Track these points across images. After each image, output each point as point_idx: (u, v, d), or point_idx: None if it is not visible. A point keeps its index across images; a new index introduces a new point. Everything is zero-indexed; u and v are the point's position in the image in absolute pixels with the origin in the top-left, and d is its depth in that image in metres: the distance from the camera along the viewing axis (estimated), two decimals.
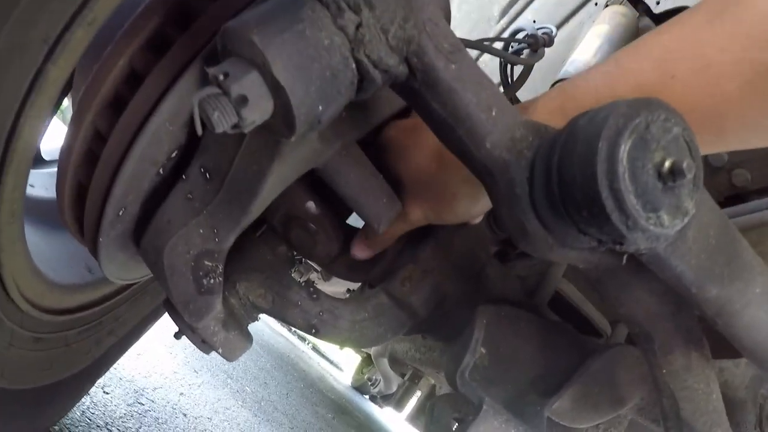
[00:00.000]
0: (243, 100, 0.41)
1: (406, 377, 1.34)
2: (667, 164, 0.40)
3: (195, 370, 2.88)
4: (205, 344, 0.79)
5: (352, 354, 6.75)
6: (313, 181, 0.85)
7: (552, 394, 0.72)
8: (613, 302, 0.55)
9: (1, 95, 0.51)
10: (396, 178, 0.75)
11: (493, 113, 0.49)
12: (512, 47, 1.56)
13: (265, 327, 6.32)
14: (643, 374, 0.75)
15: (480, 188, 0.67)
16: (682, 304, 0.56)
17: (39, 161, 1.39)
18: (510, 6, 2.37)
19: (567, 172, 0.42)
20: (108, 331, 1.27)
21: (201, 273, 0.70)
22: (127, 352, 1.55)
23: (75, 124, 0.67)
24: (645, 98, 0.43)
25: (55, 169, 1.31)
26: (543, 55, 1.55)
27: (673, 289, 0.49)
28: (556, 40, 1.64)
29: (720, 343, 0.62)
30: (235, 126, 0.42)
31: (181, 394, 2.43)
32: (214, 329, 0.78)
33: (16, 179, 0.63)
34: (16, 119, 0.54)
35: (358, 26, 0.45)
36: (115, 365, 2.03)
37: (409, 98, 0.53)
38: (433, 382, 1.26)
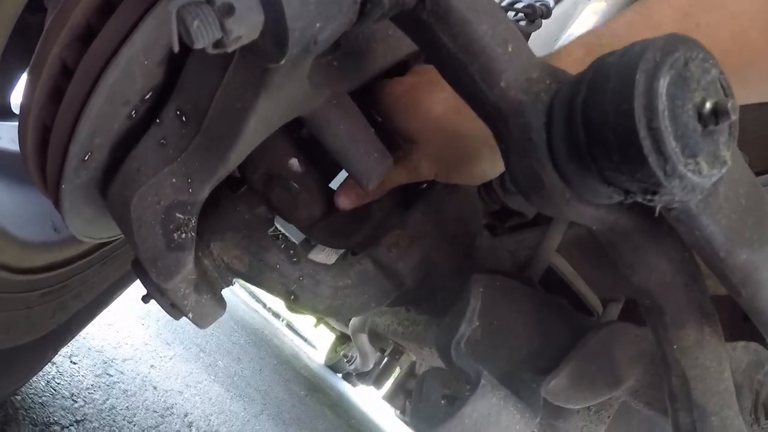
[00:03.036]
0: (229, 9, 0.35)
1: (386, 353, 1.30)
2: (708, 105, 0.36)
3: (167, 343, 2.82)
4: (174, 308, 0.74)
5: (326, 332, 6.72)
6: (298, 139, 0.79)
7: (546, 371, 0.67)
8: (625, 270, 0.50)
9: None
10: (407, 133, 0.71)
11: (510, 48, 0.43)
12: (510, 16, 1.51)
13: (239, 302, 6.26)
14: (639, 354, 0.71)
15: None
16: (697, 275, 0.51)
17: (7, 113, 1.32)
18: None
19: (596, 111, 0.37)
20: (74, 295, 1.21)
21: (171, 226, 0.64)
22: (96, 321, 1.49)
23: (39, 58, 0.61)
24: (682, 35, 0.38)
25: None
26: (540, 26, 1.51)
27: (700, 254, 0.44)
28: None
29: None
30: (218, 43, 0.36)
31: (152, 366, 2.37)
32: (184, 292, 0.72)
33: None
34: None
35: None
36: (83, 334, 1.97)
37: (416, 32, 0.47)
38: (413, 358, 1.22)
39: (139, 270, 0.73)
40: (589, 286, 0.97)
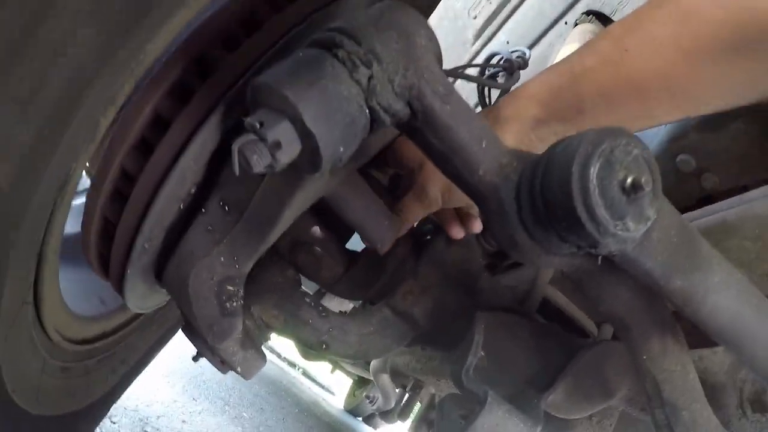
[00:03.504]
0: (277, 145, 0.49)
1: (407, 388, 1.40)
2: (629, 180, 0.49)
3: (193, 398, 2.92)
4: (224, 364, 0.85)
5: (342, 378, 6.76)
6: (315, 209, 0.93)
7: (546, 389, 0.79)
8: (594, 300, 0.63)
9: (69, 150, 0.57)
10: (414, 159, 0.82)
11: (483, 144, 0.57)
12: (488, 71, 1.64)
13: None
14: (628, 366, 0.82)
15: None
16: (654, 297, 0.64)
17: None
18: (483, 29, 2.47)
19: (548, 192, 0.50)
20: (121, 359, 1.33)
21: (224, 297, 0.76)
22: (131, 384, 1.60)
23: (104, 165, 0.74)
24: (609, 128, 0.52)
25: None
26: (519, 78, 1.64)
27: (645, 284, 0.57)
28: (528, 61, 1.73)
29: (697, 334, 0.70)
30: (269, 166, 0.50)
31: (183, 421, 2.47)
32: (233, 350, 0.84)
33: (63, 214, 0.69)
34: (72, 167, 0.60)
35: (370, 78, 0.54)
36: None
37: (411, 134, 0.61)
38: (432, 391, 1.33)
39: (191, 334, 0.85)
40: (582, 311, 1.09)
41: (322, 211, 0.92)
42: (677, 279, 0.56)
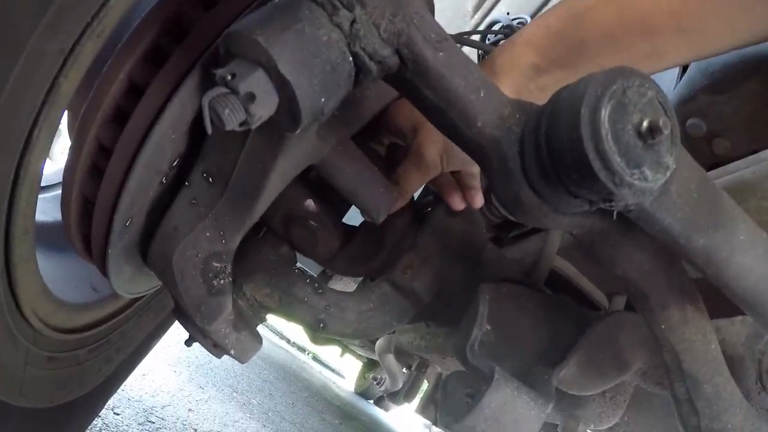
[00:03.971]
0: (251, 97, 0.44)
1: (413, 368, 1.36)
2: (645, 124, 0.44)
3: (200, 386, 2.89)
4: (217, 348, 0.81)
5: (352, 361, 6.76)
6: (309, 182, 0.88)
7: (557, 364, 0.74)
8: (608, 265, 0.58)
9: (20, 106, 0.52)
10: (411, 123, 0.77)
11: (482, 94, 0.52)
12: (489, 39, 1.59)
13: (265, 341, 6.30)
14: (643, 338, 0.78)
15: None
16: (673, 260, 0.59)
17: None
18: (483, 1, 2.40)
19: (555, 141, 0.45)
20: (116, 348, 1.29)
21: (210, 275, 0.72)
22: (132, 373, 1.56)
23: (78, 140, 0.69)
24: (620, 67, 0.47)
25: (51, 194, 1.33)
26: None
27: (664, 243, 0.52)
28: None
29: (714, 303, 0.65)
30: (243, 123, 0.45)
31: (190, 410, 2.44)
32: (225, 331, 0.79)
33: (30, 194, 0.65)
34: (31, 132, 0.55)
35: (353, 22, 0.49)
36: (122, 386, 2.04)
37: (402, 88, 0.56)
38: (439, 370, 1.29)
39: (182, 317, 0.80)
40: (593, 283, 1.04)
41: (316, 184, 0.88)
42: (699, 237, 0.51)
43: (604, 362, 0.75)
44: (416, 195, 0.97)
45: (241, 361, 0.86)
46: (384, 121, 0.81)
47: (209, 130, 0.45)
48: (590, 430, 0.95)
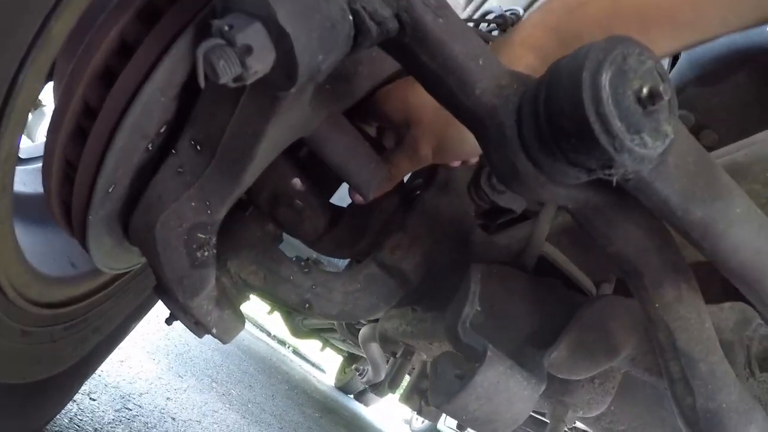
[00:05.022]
0: (248, 50, 0.43)
1: (397, 355, 1.35)
2: (645, 90, 0.44)
3: (179, 375, 2.86)
4: (198, 326, 0.79)
5: (332, 355, 6.75)
6: (298, 161, 0.86)
7: (547, 346, 0.74)
8: (602, 241, 0.57)
9: (7, 44, 0.50)
10: (404, 115, 0.76)
11: (480, 62, 0.51)
12: (482, 28, 1.59)
13: (245, 333, 6.28)
14: (633, 322, 0.77)
15: None
16: (667, 238, 0.58)
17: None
18: None
19: (554, 105, 0.44)
20: (93, 328, 1.26)
21: (194, 246, 0.70)
22: (109, 359, 1.54)
23: (63, 98, 0.66)
24: (620, 35, 0.46)
25: (32, 167, 1.30)
26: None
27: (661, 215, 0.51)
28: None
29: (704, 289, 0.64)
30: (238, 78, 0.44)
31: (168, 398, 2.41)
32: (207, 308, 0.77)
33: (11, 145, 0.62)
34: (17, 74, 0.53)
35: None
36: (99, 372, 2.02)
37: (400, 54, 0.55)
38: (424, 357, 1.28)
39: (162, 293, 0.78)
40: (580, 269, 1.03)
41: (304, 163, 0.86)
42: (696, 209, 0.50)
43: (594, 346, 0.75)
44: (405, 178, 0.96)
45: (223, 341, 0.84)
46: (372, 106, 0.80)
47: (202, 83, 0.43)
48: (578, 418, 0.94)
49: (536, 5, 2.16)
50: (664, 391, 1.12)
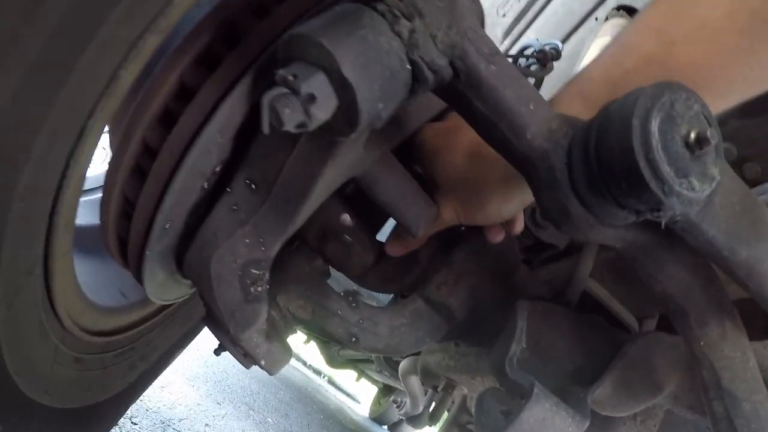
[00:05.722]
0: (311, 99, 0.46)
1: (439, 389, 1.35)
2: (692, 135, 0.46)
3: (218, 402, 2.89)
4: (247, 357, 0.81)
5: (368, 386, 6.72)
6: (346, 196, 0.88)
7: (591, 383, 0.74)
8: (648, 279, 0.58)
9: (83, 90, 0.53)
10: (429, 178, 0.78)
11: (531, 107, 0.53)
12: (520, 64, 1.60)
13: None
14: (676, 360, 0.77)
15: (511, 188, 0.71)
16: (712, 277, 0.59)
17: None
18: (512, 27, 2.42)
19: (605, 150, 0.46)
20: (140, 356, 1.29)
21: (248, 281, 0.72)
22: (152, 384, 1.57)
23: (124, 138, 0.70)
24: (667, 81, 0.48)
25: (86, 198, 1.35)
26: (552, 69, 1.59)
27: (707, 256, 0.52)
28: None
29: (747, 326, 0.64)
30: (301, 125, 0.46)
31: (206, 425, 2.44)
32: (256, 341, 0.79)
33: (76, 186, 0.65)
34: (87, 120, 0.56)
35: (412, 32, 0.50)
36: (140, 397, 2.05)
37: (453, 99, 0.57)
38: (465, 391, 1.28)
39: (212, 324, 0.80)
40: (623, 306, 1.03)
41: (352, 199, 0.88)
42: (742, 249, 0.51)
43: (637, 383, 0.75)
44: None
45: (271, 373, 0.85)
46: (413, 151, 0.82)
47: (266, 130, 0.46)
48: None
49: (574, 40, 2.16)
50: (706, 430, 1.10)
